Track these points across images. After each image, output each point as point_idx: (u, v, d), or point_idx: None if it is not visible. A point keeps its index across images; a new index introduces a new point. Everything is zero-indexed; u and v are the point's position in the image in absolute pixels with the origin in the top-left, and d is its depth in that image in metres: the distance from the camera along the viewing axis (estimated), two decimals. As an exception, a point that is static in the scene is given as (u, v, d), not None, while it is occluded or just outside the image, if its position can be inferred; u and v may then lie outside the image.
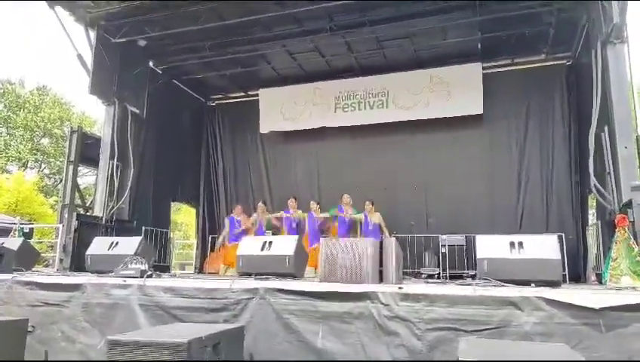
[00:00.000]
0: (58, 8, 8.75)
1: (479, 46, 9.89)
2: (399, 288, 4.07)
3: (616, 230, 5.82)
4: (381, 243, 4.85)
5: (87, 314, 4.94)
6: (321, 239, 5.09)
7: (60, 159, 25.03)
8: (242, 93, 12.69)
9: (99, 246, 6.68)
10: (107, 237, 7.58)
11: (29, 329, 4.56)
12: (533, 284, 4.38)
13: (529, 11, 8.35)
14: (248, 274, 5.41)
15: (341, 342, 4.04)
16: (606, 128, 6.75)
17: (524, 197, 9.89)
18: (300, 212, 9.51)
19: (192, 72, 11.49)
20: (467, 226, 9.22)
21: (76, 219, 8.44)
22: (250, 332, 4.25)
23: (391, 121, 10.59)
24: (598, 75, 6.88)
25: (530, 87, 10.16)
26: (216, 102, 13.00)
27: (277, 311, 4.30)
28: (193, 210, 12.97)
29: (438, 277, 8.73)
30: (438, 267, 9.06)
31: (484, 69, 10.16)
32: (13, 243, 6.75)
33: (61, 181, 20.15)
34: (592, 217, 9.08)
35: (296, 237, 6.08)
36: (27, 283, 5.33)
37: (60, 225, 8.79)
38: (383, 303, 4.00)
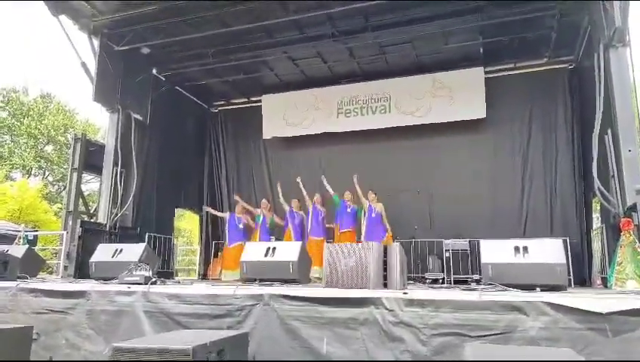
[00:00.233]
0: (62, 16, 8.81)
1: (481, 50, 9.90)
2: (404, 293, 4.06)
3: (621, 233, 5.80)
4: (385, 248, 4.83)
5: (91, 321, 4.94)
6: (325, 244, 5.08)
7: (64, 166, 25.11)
8: (245, 100, 12.73)
9: (103, 253, 6.68)
10: (111, 244, 7.59)
11: (33, 337, 4.56)
12: (538, 289, 4.36)
13: (531, 15, 8.36)
14: (252, 280, 5.41)
15: (346, 347, 4.03)
16: (609, 131, 6.74)
17: (528, 201, 9.87)
18: (302, 213, 9.53)
19: (195, 78, 11.54)
20: (471, 231, 9.20)
21: (80, 226, 8.46)
22: (254, 338, 4.24)
23: (393, 126, 10.61)
24: (600, 79, 6.88)
25: (533, 91, 10.15)
26: (219, 108, 13.04)
27: (281, 317, 4.29)
28: (196, 217, 12.98)
29: (443, 282, 8.70)
30: (443, 272, 9.03)
31: (486, 73, 10.17)
32: (17, 250, 6.76)
33: (65, 188, 20.21)
34: (596, 221, 9.04)
35: (300, 243, 6.08)
36: (32, 291, 5.33)
37: (64, 232, 8.81)
38: (387, 309, 3.99)
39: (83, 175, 9.84)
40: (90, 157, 9.65)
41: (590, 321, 3.51)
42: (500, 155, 10.29)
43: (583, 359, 3.07)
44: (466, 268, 8.94)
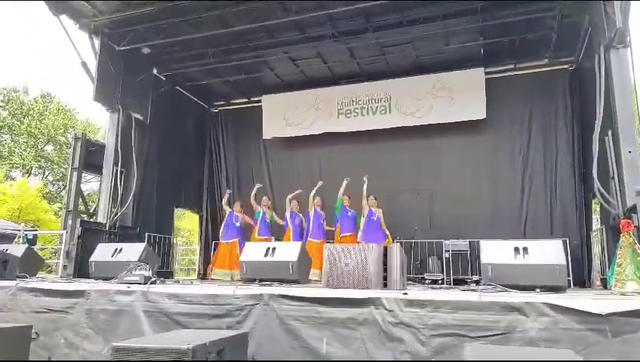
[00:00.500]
0: (62, 16, 8.80)
1: (482, 51, 9.91)
2: (404, 294, 4.06)
3: (621, 235, 5.79)
4: (385, 248, 4.84)
5: (90, 321, 4.94)
6: (325, 244, 5.09)
7: (64, 166, 25.11)
8: (245, 100, 12.73)
9: (102, 252, 6.68)
10: (111, 244, 7.59)
11: (32, 336, 4.55)
12: (538, 290, 4.36)
13: (531, 16, 8.37)
14: (252, 280, 5.41)
15: (345, 348, 4.03)
16: (610, 132, 6.74)
17: (528, 201, 9.87)
18: (301, 215, 9.53)
19: (196, 78, 11.54)
20: (471, 231, 9.20)
21: (80, 226, 8.45)
22: (253, 338, 4.23)
23: (394, 127, 10.60)
24: (601, 80, 6.88)
25: (533, 92, 10.15)
26: (220, 108, 13.04)
27: (281, 317, 4.29)
28: (196, 216, 12.98)
29: (442, 283, 8.70)
30: (442, 272, 9.03)
31: (486, 73, 10.16)
32: (17, 249, 6.77)
33: (65, 187, 20.21)
34: (596, 222, 9.04)
35: (300, 243, 6.08)
36: (31, 290, 5.33)
37: (64, 232, 8.81)
38: (387, 309, 3.99)
39: (83, 174, 9.85)
40: (91, 157, 9.66)
41: (590, 322, 3.51)
42: (500, 156, 10.28)
43: (583, 360, 3.07)
44: (465, 269, 8.95)
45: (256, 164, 12.22)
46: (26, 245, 7.60)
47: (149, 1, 8.34)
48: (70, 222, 8.81)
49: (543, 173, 9.87)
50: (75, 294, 5.12)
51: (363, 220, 8.99)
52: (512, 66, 10.41)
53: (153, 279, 5.22)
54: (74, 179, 9.38)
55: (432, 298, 3.95)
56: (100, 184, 9.71)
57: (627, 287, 5.41)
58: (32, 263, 6.83)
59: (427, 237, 9.75)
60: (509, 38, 9.26)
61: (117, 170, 9.37)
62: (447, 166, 10.43)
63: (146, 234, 9.78)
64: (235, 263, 9.03)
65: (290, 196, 9.56)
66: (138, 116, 10.02)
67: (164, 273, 9.21)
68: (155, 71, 10.88)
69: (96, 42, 9.28)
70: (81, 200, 9.53)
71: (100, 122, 26.51)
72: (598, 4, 7.00)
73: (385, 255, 4.75)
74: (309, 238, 9.00)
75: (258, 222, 9.39)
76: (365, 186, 9.08)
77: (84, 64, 9.23)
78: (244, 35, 9.44)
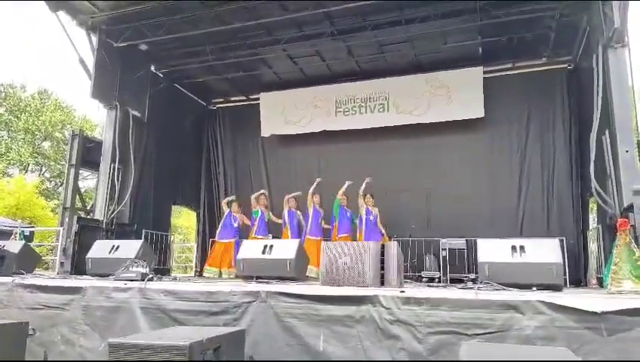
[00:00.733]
0: (60, 13, 8.78)
1: (480, 50, 9.91)
2: (401, 291, 4.07)
3: (618, 234, 5.80)
4: (382, 246, 4.84)
5: (87, 318, 4.94)
6: (323, 242, 5.09)
7: (61, 162, 25.05)
8: (243, 97, 12.71)
9: (99, 249, 6.67)
10: (108, 241, 7.58)
11: (29, 333, 4.55)
12: (534, 288, 4.38)
13: (530, 15, 8.37)
14: (250, 278, 5.41)
15: (342, 345, 4.03)
16: (607, 132, 6.76)
17: (525, 200, 9.89)
18: (299, 212, 9.54)
19: (194, 75, 11.51)
20: (468, 230, 9.21)
21: (77, 223, 8.44)
22: (251, 335, 4.24)
23: (391, 125, 10.60)
24: (599, 79, 6.89)
25: (531, 91, 10.17)
26: (218, 105, 13.02)
27: (278, 314, 4.29)
28: (194, 214, 12.98)
29: (439, 281, 8.71)
30: (439, 271, 9.04)
31: (485, 72, 10.16)
32: (13, 246, 6.74)
33: (62, 184, 20.15)
34: (593, 221, 9.07)
35: (298, 240, 6.08)
36: (28, 286, 5.33)
37: (61, 228, 8.80)
38: (384, 307, 4.00)
39: (80, 171, 9.82)
40: (88, 154, 9.64)
41: (586, 320, 3.52)
42: (497, 155, 10.30)
43: (578, 358, 3.09)
44: (462, 267, 8.95)
45: (254, 161, 12.21)
46: (23, 242, 7.58)
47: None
48: (67, 218, 8.81)
49: (540, 172, 9.90)
50: (71, 291, 5.12)
51: (362, 221, 9.01)
52: (510, 65, 10.42)
53: (150, 276, 5.22)
54: (71, 176, 9.37)
55: (429, 296, 3.96)
56: (97, 181, 9.68)
57: (623, 286, 5.42)
58: (28, 260, 6.81)
59: (424, 236, 9.75)
60: (507, 37, 9.25)
61: (114, 167, 9.34)
62: (445, 164, 10.44)
63: (143, 231, 9.78)
64: (227, 262, 9.06)
65: (288, 196, 9.55)
66: (136, 113, 10.00)
67: (161, 270, 9.19)
68: (152, 68, 10.85)
69: (94, 39, 9.26)
70: (78, 197, 9.53)
71: (98, 119, 26.46)
72: (597, 4, 7.01)
73: (382, 253, 4.75)
74: (307, 236, 9.01)
75: (256, 222, 9.39)
76: (363, 186, 9.07)
77: (81, 61, 9.20)
78: (242, 33, 9.41)
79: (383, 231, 9.05)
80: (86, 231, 8.50)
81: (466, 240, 9.07)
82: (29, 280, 5.53)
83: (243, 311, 4.43)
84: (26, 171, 26.28)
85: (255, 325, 4.33)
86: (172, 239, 11.81)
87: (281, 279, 5.25)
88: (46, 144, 27.20)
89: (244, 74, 11.17)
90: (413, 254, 9.59)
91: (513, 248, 4.81)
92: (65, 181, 9.69)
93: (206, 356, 3.28)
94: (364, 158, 10.88)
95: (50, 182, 27.77)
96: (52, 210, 22.28)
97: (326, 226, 9.41)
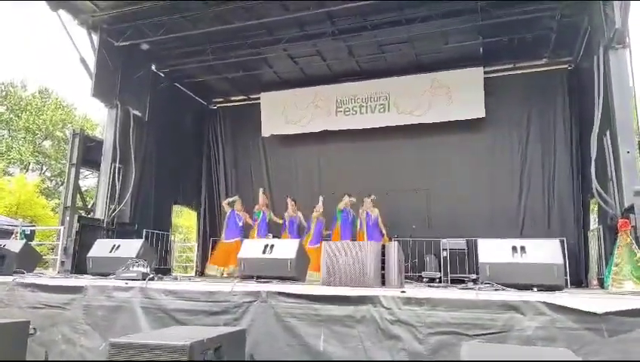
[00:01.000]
0: (61, 12, 8.78)
1: (481, 50, 9.91)
2: (402, 292, 4.07)
3: (619, 235, 5.81)
4: (383, 246, 4.84)
5: (88, 317, 4.94)
6: (323, 242, 5.08)
7: (62, 162, 25.05)
8: (244, 97, 12.71)
9: (100, 248, 6.66)
10: (109, 240, 7.58)
11: (30, 332, 4.55)
12: (535, 289, 4.37)
13: (531, 16, 8.37)
14: (250, 277, 5.41)
15: (343, 345, 4.04)
16: (608, 132, 6.75)
17: (526, 201, 9.90)
18: (300, 214, 9.53)
19: (194, 75, 11.51)
20: (468, 230, 9.21)
21: (78, 222, 8.45)
22: (251, 335, 4.24)
23: (392, 125, 10.60)
24: (600, 80, 6.89)
25: (532, 92, 10.17)
26: (218, 105, 13.02)
27: (278, 314, 4.29)
28: (194, 213, 12.98)
29: (440, 281, 8.70)
30: (440, 271, 9.04)
31: (485, 73, 10.17)
32: (14, 245, 6.74)
33: (63, 183, 20.15)
34: (593, 222, 9.07)
35: (298, 240, 6.08)
36: (28, 286, 5.33)
37: (62, 228, 8.80)
38: (385, 307, 4.00)
39: (81, 170, 9.82)
40: (89, 153, 9.64)
41: (586, 321, 3.52)
42: (498, 155, 10.30)
43: (579, 359, 3.09)
44: (463, 268, 8.96)
45: (255, 161, 12.21)
46: (24, 241, 7.57)
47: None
48: (68, 218, 8.81)
49: (541, 173, 9.90)
50: (72, 290, 5.12)
51: (363, 224, 9.01)
52: (510, 66, 10.42)
53: (151, 275, 5.21)
54: (72, 175, 9.37)
55: (430, 296, 3.96)
56: (98, 180, 9.69)
57: (624, 287, 5.43)
58: (29, 259, 6.80)
59: (425, 236, 9.76)
60: (508, 37, 9.26)
61: (115, 167, 9.35)
62: (446, 165, 10.44)
63: (144, 230, 9.78)
64: (234, 261, 9.04)
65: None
66: (136, 112, 10.00)
67: (162, 270, 9.19)
68: (153, 67, 10.86)
69: (95, 38, 9.26)
70: (79, 196, 9.52)
71: (98, 118, 26.50)
72: (598, 5, 7.01)
73: (383, 253, 4.75)
74: (308, 246, 8.96)
75: (258, 222, 9.39)
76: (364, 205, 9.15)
77: (82, 60, 9.20)
78: (243, 32, 9.42)
79: (384, 231, 9.06)
80: (87, 231, 8.50)
81: (467, 240, 9.08)
82: (29, 279, 5.53)
83: (243, 310, 4.44)
84: (27, 170, 26.28)
85: (255, 325, 4.33)
86: (173, 238, 11.81)
87: (282, 279, 5.25)
88: (47, 143, 27.20)
89: (245, 73, 11.17)
90: (414, 254, 9.59)
91: (514, 248, 4.80)
92: (66, 180, 9.69)
93: (207, 356, 3.28)
94: (364, 158, 10.90)
95: (51, 181, 27.78)
96: (53, 210, 22.28)
97: (326, 232, 9.40)
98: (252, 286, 4.64)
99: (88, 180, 22.38)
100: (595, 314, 3.50)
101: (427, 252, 9.63)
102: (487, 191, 10.13)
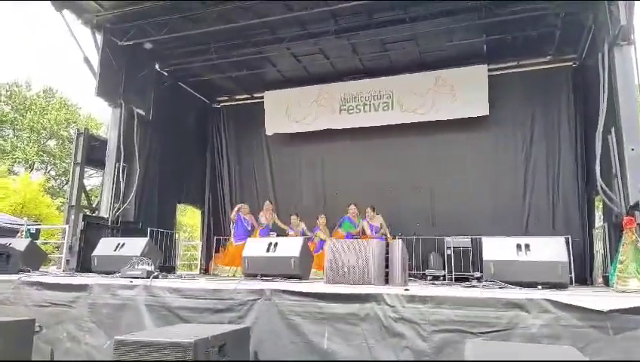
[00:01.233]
0: (65, 12, 8.80)
1: (485, 48, 9.87)
2: (405, 289, 4.07)
3: (624, 232, 5.77)
4: (387, 244, 4.84)
5: (93, 315, 4.96)
6: (327, 240, 5.09)
7: (67, 161, 25.16)
8: (247, 96, 12.72)
9: (105, 247, 6.70)
10: (113, 238, 7.61)
11: (35, 329, 4.58)
12: (539, 286, 4.36)
13: (535, 13, 8.33)
14: (254, 276, 5.42)
15: (347, 343, 4.04)
16: (613, 130, 6.72)
17: (530, 199, 9.86)
18: (302, 225, 9.52)
19: (198, 74, 11.53)
20: (473, 228, 9.18)
21: (82, 220, 8.48)
22: (255, 333, 4.25)
23: (396, 123, 10.58)
24: (604, 77, 6.85)
25: (536, 89, 10.12)
26: (222, 104, 13.03)
27: (282, 312, 4.30)
28: (198, 212, 13.01)
29: (444, 279, 8.70)
30: (444, 269, 9.03)
31: (489, 70, 10.13)
32: (20, 243, 6.79)
33: (67, 182, 20.24)
34: (598, 219, 9.03)
35: (302, 238, 6.08)
36: (34, 284, 5.36)
37: (67, 226, 8.83)
38: (388, 305, 4.00)
39: (85, 169, 9.85)
40: (93, 152, 9.67)
41: (591, 319, 3.51)
42: (502, 153, 10.27)
43: (584, 356, 3.08)
44: (467, 266, 8.93)
45: (258, 159, 12.22)
46: (29, 239, 7.62)
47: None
48: (73, 216, 8.84)
49: (545, 170, 9.85)
50: (77, 288, 5.15)
51: (365, 230, 9.00)
52: (515, 63, 10.36)
53: (155, 273, 5.23)
54: (76, 174, 9.40)
55: (434, 294, 3.95)
56: (103, 179, 9.73)
57: (629, 285, 5.40)
58: (34, 257, 6.86)
59: (429, 234, 9.75)
60: (512, 35, 9.22)
61: (119, 166, 9.38)
62: (449, 163, 10.41)
63: (148, 229, 9.81)
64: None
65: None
66: (140, 111, 10.03)
67: (167, 268, 9.24)
68: (157, 66, 10.87)
69: (99, 38, 9.28)
70: (83, 195, 9.55)
71: (103, 117, 26.59)
72: (603, 2, 6.96)
73: (387, 251, 4.75)
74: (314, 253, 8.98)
75: (262, 228, 9.42)
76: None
77: (86, 59, 9.23)
78: (246, 31, 9.42)
79: (388, 234, 8.96)
80: (91, 229, 8.54)
81: (471, 238, 9.04)
82: (35, 277, 5.56)
83: (248, 308, 4.45)
84: (32, 169, 26.41)
85: (259, 323, 4.34)
86: (177, 237, 11.84)
87: (286, 277, 5.26)
88: (51, 142, 27.32)
89: (248, 72, 11.18)
90: (418, 252, 9.59)
91: (518, 246, 4.80)
92: (70, 179, 9.73)
93: (211, 353, 3.29)
94: (368, 157, 10.89)
95: (56, 180, 27.91)
96: (57, 208, 22.37)
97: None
98: (256, 284, 4.65)
99: (93, 179, 22.47)
100: (600, 311, 3.49)
101: (431, 250, 9.61)
102: (492, 189, 10.10)
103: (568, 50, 9.60)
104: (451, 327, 3.79)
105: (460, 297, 3.86)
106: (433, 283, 6.07)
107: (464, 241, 9.15)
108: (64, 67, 43.75)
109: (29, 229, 10.25)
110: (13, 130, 26.13)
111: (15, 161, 25.27)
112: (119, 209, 9.26)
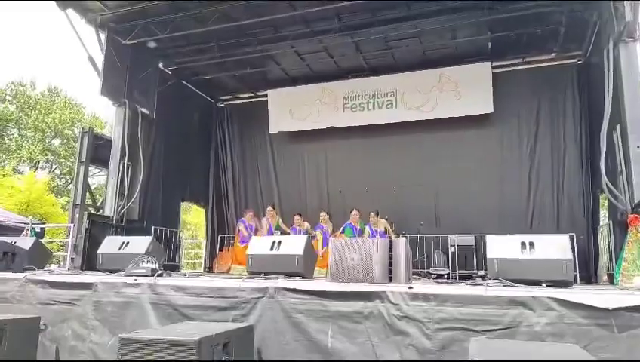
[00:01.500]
0: (69, 11, 8.82)
1: (489, 45, 9.83)
2: (409, 288, 4.06)
3: (629, 230, 5.76)
4: (390, 242, 4.83)
5: (97, 313, 4.98)
6: (330, 238, 5.09)
7: (71, 160, 25.25)
8: (251, 94, 12.73)
9: (110, 245, 6.72)
10: (118, 237, 7.63)
11: (41, 327, 4.60)
12: (544, 284, 4.35)
13: (539, 10, 8.28)
14: (258, 274, 5.42)
15: (350, 341, 4.04)
16: (618, 127, 6.68)
17: (535, 196, 9.83)
18: (306, 224, 9.51)
19: (202, 72, 11.54)
20: (477, 226, 9.16)
21: (87, 219, 8.53)
22: (259, 331, 4.25)
23: (400, 121, 10.56)
24: (609, 74, 6.81)
25: (541, 87, 10.08)
26: (226, 102, 13.06)
27: (286, 310, 4.30)
28: (202, 210, 13.04)
29: (448, 277, 8.68)
30: (448, 267, 9.01)
31: (494, 68, 10.08)
32: (25, 242, 6.82)
33: (72, 181, 20.32)
34: (603, 217, 9.00)
35: (306, 236, 6.08)
36: (39, 282, 5.38)
37: (72, 225, 8.88)
38: (392, 303, 3.99)
39: (90, 168, 9.90)
40: (97, 151, 9.72)
41: (596, 317, 3.50)
42: (506, 151, 10.23)
43: (588, 355, 3.07)
44: (471, 264, 8.93)
45: (262, 158, 12.24)
46: (34, 238, 7.65)
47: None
48: (78, 215, 8.89)
49: (550, 168, 9.82)
50: (82, 286, 5.17)
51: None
52: (519, 60, 10.32)
53: (160, 271, 5.25)
54: (81, 173, 9.45)
55: (438, 292, 3.94)
56: (107, 178, 9.76)
57: (634, 282, 5.39)
58: (40, 256, 6.88)
59: (433, 232, 9.73)
60: (516, 32, 9.17)
61: (123, 164, 9.41)
62: (453, 161, 10.37)
63: (153, 227, 9.84)
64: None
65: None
66: (144, 110, 10.06)
67: (171, 266, 9.26)
68: (161, 65, 10.89)
69: (103, 36, 9.30)
70: (88, 193, 9.60)
71: (107, 116, 26.69)
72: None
73: (390, 249, 4.74)
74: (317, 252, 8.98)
75: (262, 232, 9.43)
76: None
77: (90, 58, 9.25)
78: (250, 30, 9.43)
79: (394, 238, 8.93)
80: (96, 228, 8.58)
81: (475, 236, 9.04)
82: (40, 275, 5.59)
83: (251, 306, 4.45)
84: (37, 168, 26.55)
85: (263, 321, 4.34)
86: (181, 235, 11.87)
87: (289, 275, 5.26)
88: (56, 141, 27.44)
89: (252, 71, 11.19)
90: (422, 251, 9.57)
91: (523, 244, 4.77)
92: (75, 178, 9.77)
93: (215, 351, 3.30)
94: (371, 155, 10.87)
95: (61, 179, 28.04)
96: (62, 207, 22.49)
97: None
98: (260, 282, 4.65)
99: (97, 178, 22.57)
100: (605, 309, 3.47)
101: (435, 248, 9.60)
102: (496, 187, 10.07)
103: (573, 46, 9.55)
104: (455, 325, 3.78)
105: (464, 295, 3.85)
106: (437, 282, 6.05)
107: (468, 239, 9.14)
108: (68, 66, 43.94)
109: (34, 228, 10.31)
110: (18, 129, 26.27)
111: (20, 160, 25.41)
112: (124, 207, 9.29)
